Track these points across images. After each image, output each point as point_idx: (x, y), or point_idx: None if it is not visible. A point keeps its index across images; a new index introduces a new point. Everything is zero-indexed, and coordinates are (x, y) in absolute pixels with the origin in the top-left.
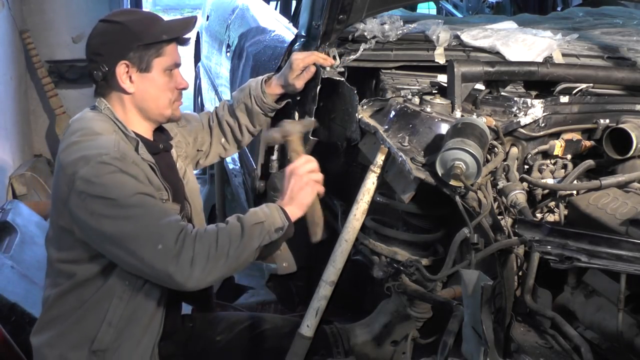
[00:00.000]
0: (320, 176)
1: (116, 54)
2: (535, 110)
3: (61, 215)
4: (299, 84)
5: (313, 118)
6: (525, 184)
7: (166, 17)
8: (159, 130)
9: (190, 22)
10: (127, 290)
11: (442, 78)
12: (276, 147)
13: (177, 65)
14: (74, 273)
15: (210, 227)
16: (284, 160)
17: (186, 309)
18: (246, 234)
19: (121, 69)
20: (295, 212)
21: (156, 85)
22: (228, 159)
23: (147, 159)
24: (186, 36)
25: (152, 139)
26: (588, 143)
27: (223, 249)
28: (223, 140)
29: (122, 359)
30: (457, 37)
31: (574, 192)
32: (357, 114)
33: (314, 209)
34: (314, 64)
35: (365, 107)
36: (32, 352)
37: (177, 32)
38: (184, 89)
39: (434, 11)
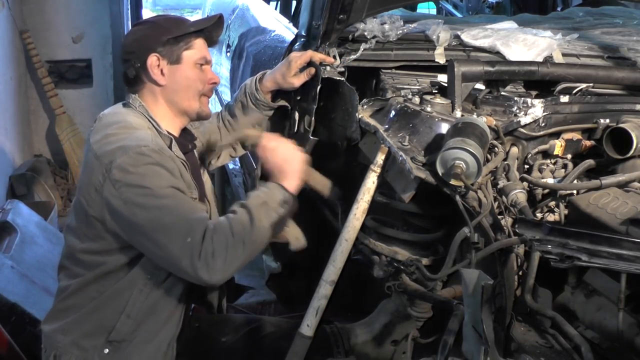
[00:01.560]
0: (292, 143)
1: (147, 48)
2: (536, 109)
3: (92, 205)
4: (297, 82)
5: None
6: (525, 184)
7: None
8: (184, 131)
9: (214, 17)
10: (148, 284)
11: (442, 78)
12: None
13: (208, 61)
14: (99, 264)
15: (222, 220)
16: None
17: None
18: (255, 217)
19: (152, 61)
20: (292, 184)
21: (187, 77)
22: None
23: (180, 157)
24: (215, 35)
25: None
26: (588, 143)
27: (238, 237)
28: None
29: (136, 351)
30: (457, 37)
31: (574, 191)
32: (357, 114)
33: (312, 174)
34: (314, 65)
35: (365, 106)
36: (42, 339)
37: (203, 25)
38: (215, 83)
39: (434, 11)
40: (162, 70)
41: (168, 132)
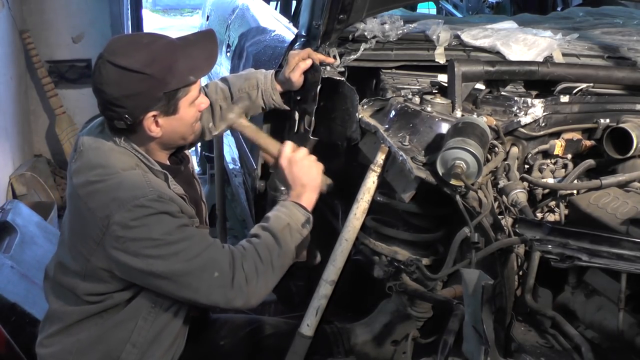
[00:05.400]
0: (314, 157)
1: (142, 106)
2: (536, 109)
3: (94, 255)
4: (295, 76)
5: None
6: (525, 184)
7: (166, 18)
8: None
9: (213, 48)
10: (152, 312)
11: (443, 78)
12: None
13: (199, 90)
14: (104, 299)
15: (246, 245)
16: None
17: None
18: (280, 241)
19: (149, 121)
20: (311, 198)
21: (184, 122)
22: (228, 159)
23: (179, 192)
24: None
25: (169, 162)
26: (588, 143)
27: (267, 261)
28: (210, 124)
29: None
30: (458, 36)
31: (575, 191)
32: (357, 114)
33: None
34: (313, 62)
35: (365, 106)
36: None
37: (204, 68)
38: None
39: (434, 11)
40: (157, 122)
41: (161, 165)
